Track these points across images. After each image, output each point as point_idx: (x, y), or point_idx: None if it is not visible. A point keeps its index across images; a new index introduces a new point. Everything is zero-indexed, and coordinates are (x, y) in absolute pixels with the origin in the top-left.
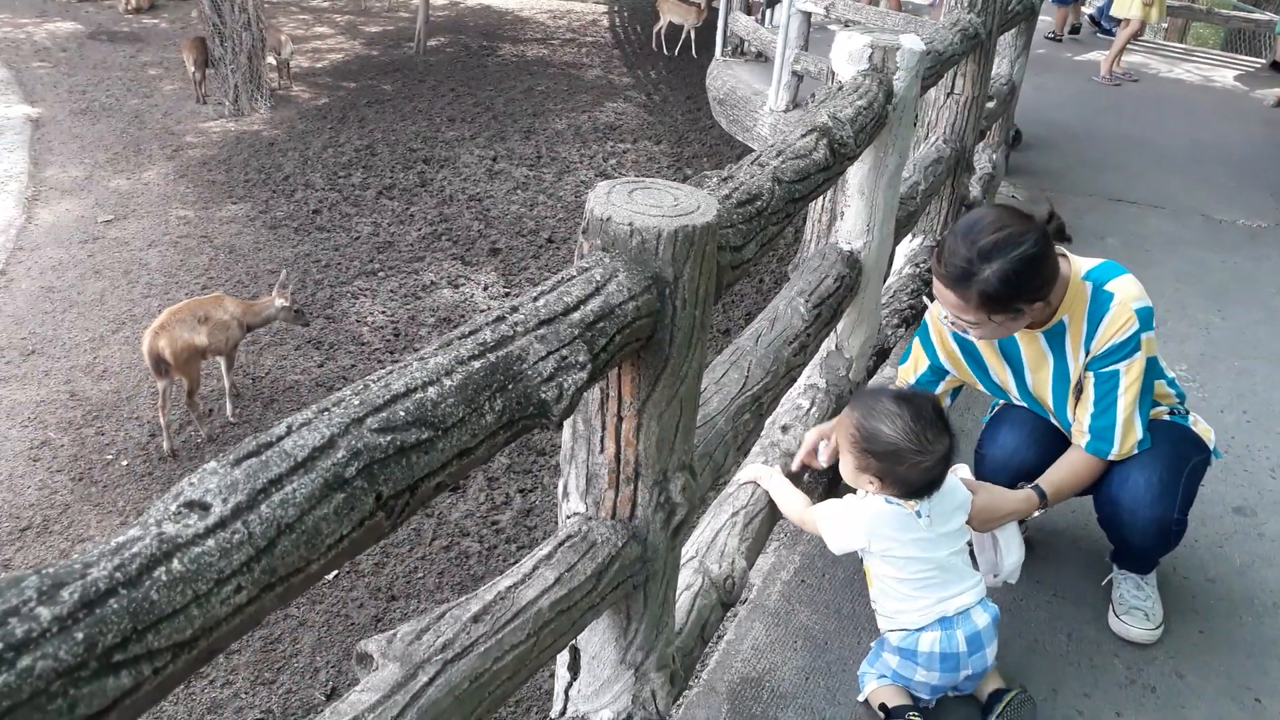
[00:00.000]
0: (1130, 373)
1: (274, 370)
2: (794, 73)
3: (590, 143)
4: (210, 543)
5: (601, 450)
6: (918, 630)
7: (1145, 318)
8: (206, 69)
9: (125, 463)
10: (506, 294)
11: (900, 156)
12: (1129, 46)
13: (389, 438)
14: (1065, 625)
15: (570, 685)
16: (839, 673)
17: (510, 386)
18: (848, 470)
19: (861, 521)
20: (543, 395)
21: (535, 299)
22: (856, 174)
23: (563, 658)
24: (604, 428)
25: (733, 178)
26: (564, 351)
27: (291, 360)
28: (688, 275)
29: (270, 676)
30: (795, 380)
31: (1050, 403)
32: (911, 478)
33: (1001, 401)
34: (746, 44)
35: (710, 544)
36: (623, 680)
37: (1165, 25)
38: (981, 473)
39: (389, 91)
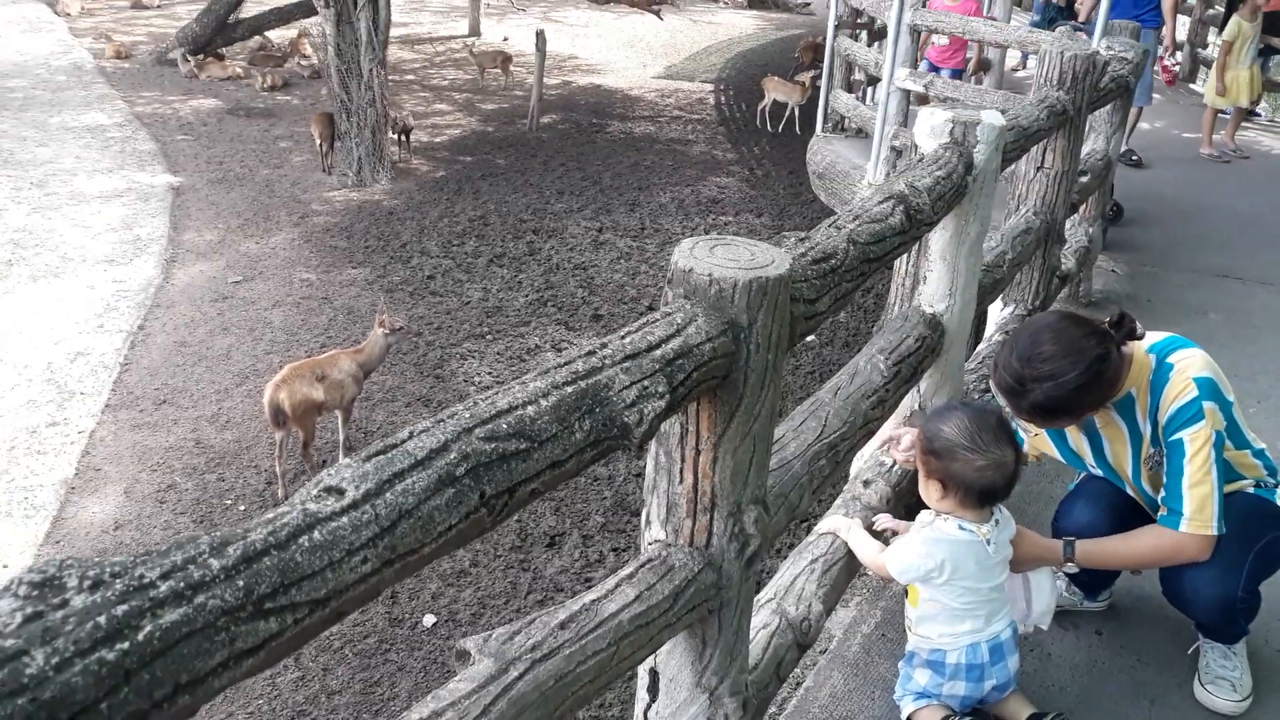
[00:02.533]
0: (1195, 441)
1: (385, 425)
2: (892, 148)
3: (693, 215)
4: (344, 520)
5: (681, 481)
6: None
7: (1205, 387)
8: (333, 142)
9: (243, 508)
10: None
11: (981, 225)
12: (1242, 124)
13: (493, 445)
14: (1149, 691)
15: (649, 707)
16: None
17: (597, 410)
18: (920, 483)
19: (943, 547)
20: (625, 419)
21: (623, 337)
22: (938, 240)
23: (643, 680)
24: (683, 460)
25: (809, 238)
26: (645, 382)
27: (402, 416)
28: (761, 322)
29: (368, 719)
30: (873, 433)
31: (1128, 472)
32: (968, 476)
33: (1083, 474)
34: (847, 120)
35: (788, 588)
36: (698, 704)
37: None
38: None
39: (502, 165)
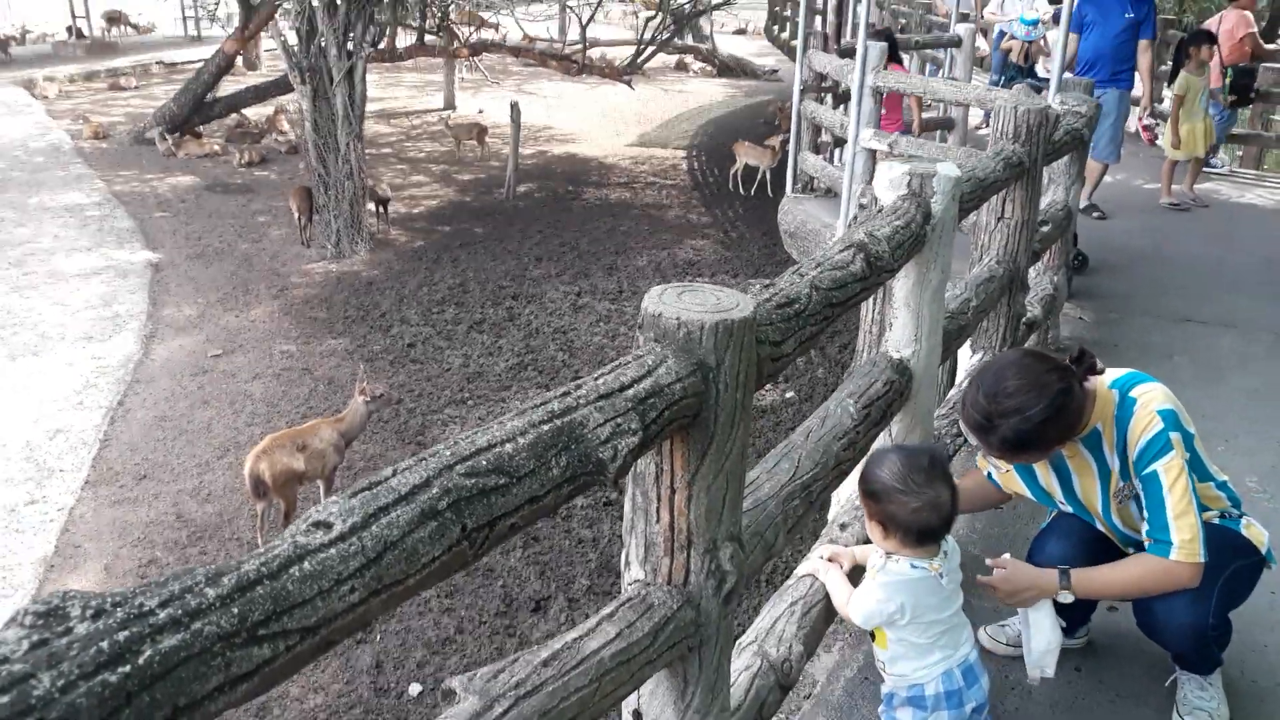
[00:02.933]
0: (1170, 471)
1: None
2: (860, 205)
3: (670, 277)
4: (332, 551)
5: (658, 520)
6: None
7: (1169, 419)
8: (311, 215)
9: None
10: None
11: (942, 272)
12: (1201, 173)
13: (473, 480)
14: None
15: None
16: None
17: (573, 446)
18: (866, 522)
19: (900, 590)
20: (600, 455)
21: (596, 378)
22: (902, 288)
23: None
24: (659, 499)
25: (773, 284)
26: (619, 420)
27: None
28: (729, 362)
29: None
30: (846, 475)
31: (1098, 507)
32: (904, 517)
33: (1054, 512)
34: (816, 181)
35: (769, 630)
36: None
37: (1240, 154)
38: None
39: (480, 234)
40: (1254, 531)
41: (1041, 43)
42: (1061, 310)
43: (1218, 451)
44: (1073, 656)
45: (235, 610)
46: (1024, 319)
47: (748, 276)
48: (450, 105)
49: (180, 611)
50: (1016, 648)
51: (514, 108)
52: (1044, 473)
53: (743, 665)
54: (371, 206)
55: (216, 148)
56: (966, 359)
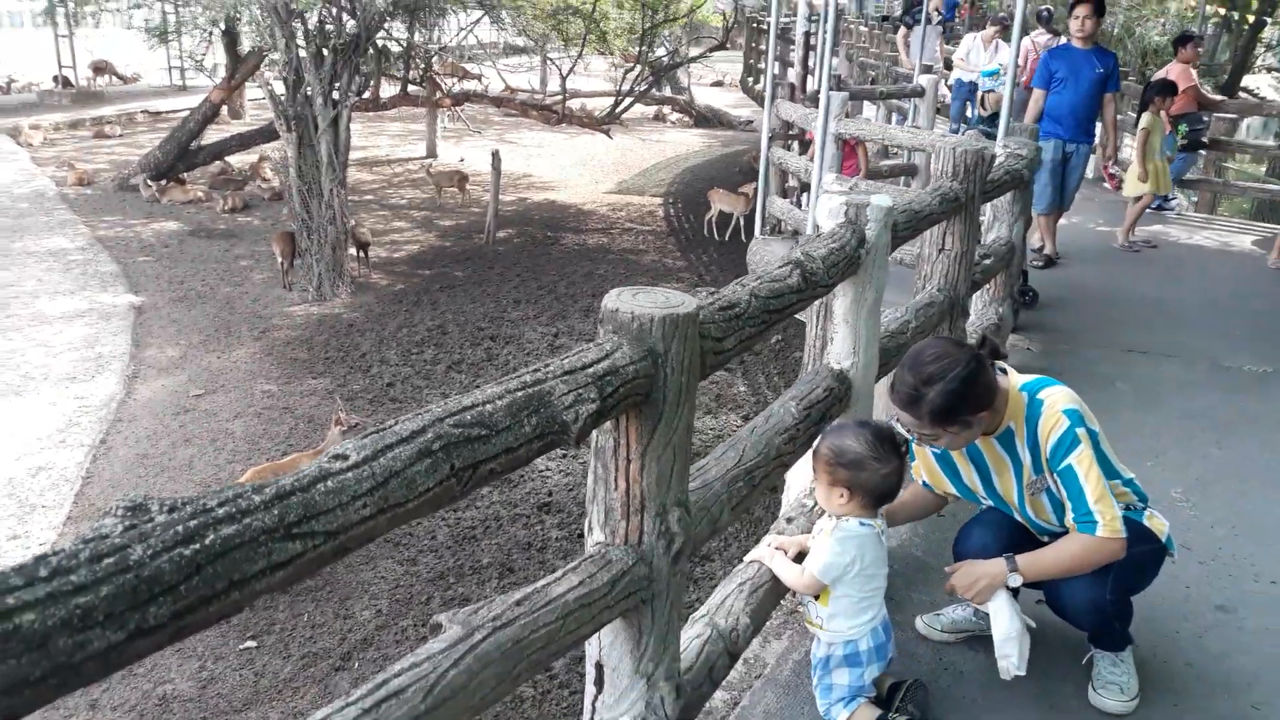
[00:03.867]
0: (1082, 463)
1: None
2: None
3: None
4: (350, 475)
5: (616, 487)
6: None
7: (1074, 416)
8: (294, 259)
9: None
10: (563, 455)
11: (877, 292)
12: (1146, 213)
13: (460, 430)
14: (1048, 699)
15: (596, 698)
16: None
17: (542, 410)
18: (821, 493)
19: (854, 543)
20: (564, 418)
21: (562, 359)
22: (841, 305)
23: (590, 675)
24: (617, 469)
25: (718, 292)
26: (580, 391)
27: None
28: (675, 350)
29: None
30: (786, 465)
31: (1014, 499)
32: (874, 483)
33: (979, 508)
34: (783, 223)
35: (720, 605)
36: (637, 689)
37: (1196, 199)
38: None
39: (460, 277)
40: (1155, 522)
41: (1000, 92)
42: (1007, 340)
43: (1146, 467)
44: None
45: (275, 512)
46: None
47: None
48: (432, 154)
49: (234, 510)
50: (949, 634)
51: (495, 156)
52: (965, 469)
53: (695, 634)
54: (353, 251)
55: (200, 194)
56: None
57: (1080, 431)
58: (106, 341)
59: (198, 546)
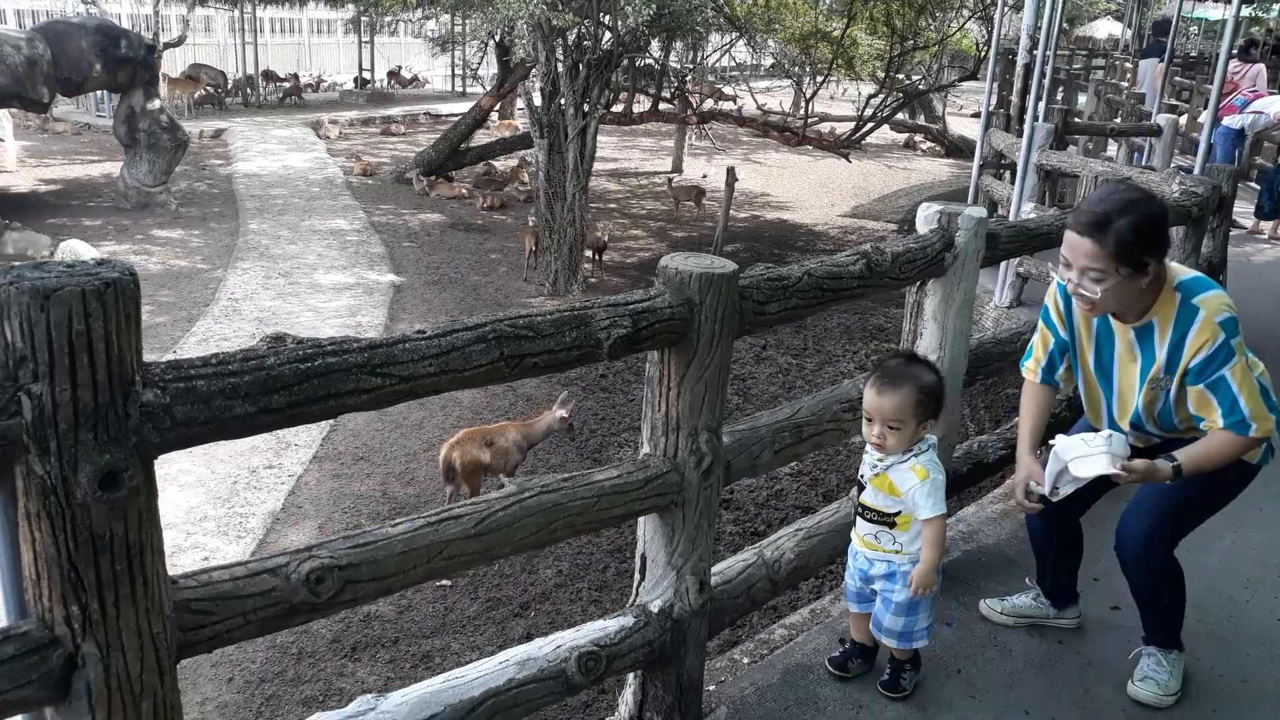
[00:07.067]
0: (1235, 373)
1: None
2: (1018, 274)
3: (856, 339)
4: (423, 343)
5: (658, 409)
6: None
7: (1229, 327)
8: (537, 255)
9: None
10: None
11: (965, 294)
12: None
13: (511, 329)
14: (1085, 684)
15: (639, 584)
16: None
17: (581, 327)
18: (905, 435)
19: (939, 462)
20: (599, 335)
21: (610, 296)
22: (930, 304)
23: (638, 565)
24: (659, 394)
25: (775, 269)
26: (617, 319)
27: None
28: (709, 302)
29: None
30: (846, 433)
31: (1133, 391)
32: (945, 403)
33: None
34: None
35: (772, 542)
36: (669, 579)
37: None
38: None
39: None
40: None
41: None
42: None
43: None
44: (1060, 633)
45: (365, 355)
46: None
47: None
48: (678, 169)
49: (339, 348)
50: (1009, 618)
51: (730, 172)
52: (1084, 355)
53: (743, 559)
54: (589, 253)
55: (464, 191)
56: None
57: (1235, 343)
58: (367, 312)
59: (309, 365)
